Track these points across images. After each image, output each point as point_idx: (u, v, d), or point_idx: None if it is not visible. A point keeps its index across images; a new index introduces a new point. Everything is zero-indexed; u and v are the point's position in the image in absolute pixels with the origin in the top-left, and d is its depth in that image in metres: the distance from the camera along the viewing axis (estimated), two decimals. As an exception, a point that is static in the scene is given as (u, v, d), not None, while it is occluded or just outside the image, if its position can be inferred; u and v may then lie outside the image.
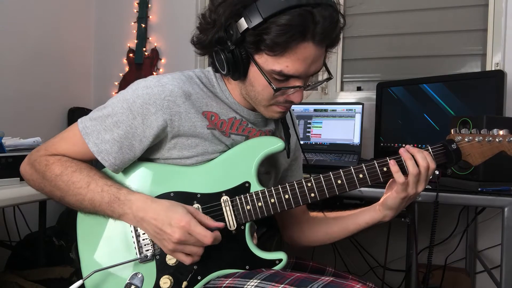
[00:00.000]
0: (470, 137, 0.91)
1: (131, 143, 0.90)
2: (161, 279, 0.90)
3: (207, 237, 0.82)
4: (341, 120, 1.95)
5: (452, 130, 0.93)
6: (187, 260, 0.85)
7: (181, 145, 0.93)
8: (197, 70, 0.99)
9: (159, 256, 0.91)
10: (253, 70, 0.88)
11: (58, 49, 2.40)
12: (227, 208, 0.91)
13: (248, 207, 0.91)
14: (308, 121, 2.00)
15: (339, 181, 0.91)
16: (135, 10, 2.55)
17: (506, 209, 1.20)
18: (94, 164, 0.96)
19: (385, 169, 0.91)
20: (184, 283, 0.89)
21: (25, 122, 2.13)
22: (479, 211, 1.87)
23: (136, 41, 2.53)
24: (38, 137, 1.39)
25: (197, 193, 0.92)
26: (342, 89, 2.28)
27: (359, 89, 2.24)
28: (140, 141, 0.90)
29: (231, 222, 0.91)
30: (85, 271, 0.92)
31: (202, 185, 0.93)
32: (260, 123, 1.00)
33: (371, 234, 2.11)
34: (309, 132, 1.99)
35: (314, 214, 1.15)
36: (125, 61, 2.57)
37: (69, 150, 0.93)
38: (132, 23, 2.57)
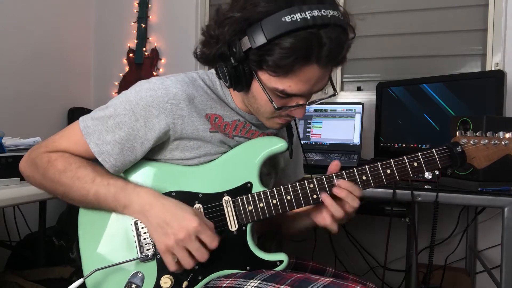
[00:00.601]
0: (476, 140, 0.89)
1: (133, 145, 0.90)
2: (162, 278, 0.89)
3: (214, 242, 0.83)
4: (341, 120, 1.95)
5: (457, 132, 0.92)
6: (172, 267, 0.84)
7: (183, 146, 0.92)
8: (201, 71, 0.99)
9: (159, 256, 0.90)
10: (256, 85, 0.87)
11: (58, 49, 2.40)
12: (229, 208, 0.91)
13: (250, 208, 0.90)
14: (308, 121, 2.00)
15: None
16: (135, 10, 2.55)
17: (506, 209, 1.20)
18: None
19: (388, 171, 0.89)
20: (185, 283, 0.89)
21: (25, 122, 2.13)
22: (479, 211, 1.87)
23: (136, 41, 2.53)
24: (38, 137, 1.39)
25: (198, 193, 0.92)
26: (342, 89, 2.28)
27: (359, 89, 2.24)
28: (141, 143, 0.90)
29: (233, 223, 0.91)
30: (85, 270, 0.92)
31: (204, 185, 0.92)
32: (262, 125, 0.99)
33: (371, 234, 2.11)
34: (309, 132, 1.99)
35: None
36: (125, 61, 2.57)
37: (70, 148, 0.92)
38: (132, 23, 2.57)
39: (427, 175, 1.38)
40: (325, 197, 0.89)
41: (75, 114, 2.44)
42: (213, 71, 0.97)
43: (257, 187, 0.92)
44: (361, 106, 1.92)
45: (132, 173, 0.95)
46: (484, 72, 1.95)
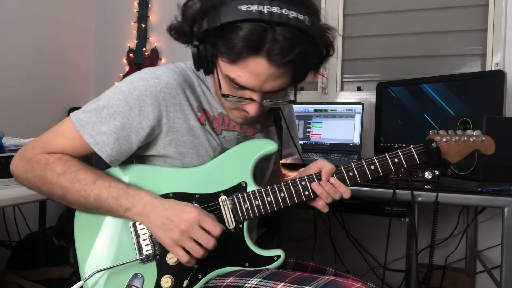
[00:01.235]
0: (448, 137, 0.98)
1: (128, 134, 0.91)
2: (162, 278, 0.90)
3: (216, 228, 0.84)
4: (341, 120, 1.95)
5: (430, 131, 1.00)
6: (184, 258, 0.85)
7: (176, 141, 0.94)
8: (189, 62, 1.00)
9: (159, 256, 0.91)
10: (217, 71, 0.90)
11: (58, 49, 2.40)
12: (225, 207, 0.93)
13: (246, 206, 0.93)
14: (308, 121, 2.00)
15: (332, 179, 0.94)
16: (135, 10, 2.55)
17: (506, 209, 1.20)
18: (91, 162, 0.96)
19: (372, 167, 0.95)
20: (185, 282, 0.89)
21: (25, 122, 2.13)
22: (479, 211, 1.87)
23: (136, 41, 2.53)
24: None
25: (195, 194, 0.94)
26: (342, 89, 2.28)
27: (359, 89, 2.24)
28: (137, 132, 0.91)
29: (230, 221, 0.93)
30: (83, 274, 0.92)
31: (200, 186, 0.95)
32: None
33: (371, 234, 2.11)
34: (309, 132, 1.99)
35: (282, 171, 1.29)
36: (125, 61, 2.57)
37: (66, 146, 0.92)
38: (132, 23, 2.57)
39: (427, 175, 1.38)
40: (315, 187, 0.94)
41: (75, 114, 2.44)
42: None
43: (252, 186, 0.95)
44: (361, 106, 1.92)
45: (129, 176, 0.96)
46: (484, 72, 1.94)
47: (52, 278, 1.63)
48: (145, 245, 0.91)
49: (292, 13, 0.79)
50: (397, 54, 2.17)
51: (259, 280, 0.86)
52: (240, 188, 0.95)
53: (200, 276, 0.90)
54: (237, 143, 1.02)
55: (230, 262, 0.92)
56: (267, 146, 0.98)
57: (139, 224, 0.92)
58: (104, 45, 2.65)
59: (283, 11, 0.78)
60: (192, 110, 0.94)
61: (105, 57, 2.64)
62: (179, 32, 0.92)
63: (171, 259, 0.90)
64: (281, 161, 1.32)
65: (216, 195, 0.94)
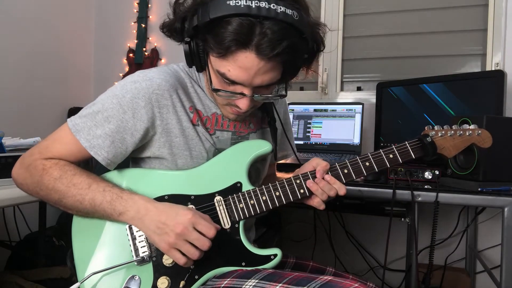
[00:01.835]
0: (443, 132, 0.98)
1: (123, 136, 0.92)
2: (159, 280, 0.90)
3: (212, 229, 0.85)
4: (341, 120, 1.95)
5: (426, 127, 1.00)
6: (182, 260, 0.85)
7: (170, 142, 0.95)
8: (182, 63, 1.01)
9: (155, 258, 0.91)
10: (208, 67, 0.91)
11: (58, 49, 2.40)
12: (221, 207, 0.94)
13: (241, 205, 0.94)
14: (308, 121, 2.00)
15: (327, 177, 0.95)
16: (135, 10, 2.56)
17: (506, 209, 1.20)
18: (91, 166, 0.96)
19: (367, 164, 0.95)
20: (182, 283, 0.89)
21: (25, 122, 2.13)
22: (479, 211, 1.87)
23: (136, 41, 2.53)
24: (38, 137, 1.39)
25: (190, 195, 0.94)
26: (342, 89, 2.28)
27: (359, 89, 2.24)
28: (131, 134, 0.92)
29: (225, 221, 0.94)
30: (81, 277, 0.92)
31: (195, 187, 0.95)
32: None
33: (371, 234, 2.11)
34: (309, 132, 1.99)
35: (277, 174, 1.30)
36: (125, 61, 2.57)
37: (63, 151, 0.93)
38: (132, 23, 2.57)
39: (427, 175, 1.38)
40: (310, 184, 0.94)
41: (75, 114, 2.41)
42: None
43: (247, 186, 0.96)
44: (361, 106, 1.92)
45: (125, 180, 0.96)
46: (484, 72, 1.94)
47: (52, 278, 1.64)
48: (141, 247, 0.91)
49: (280, 8, 0.80)
50: (397, 54, 2.17)
51: (256, 281, 0.85)
52: (235, 188, 0.95)
53: (196, 277, 0.90)
54: (232, 143, 1.02)
55: (226, 262, 0.92)
56: (262, 146, 0.99)
57: (136, 227, 0.92)
58: (104, 45, 2.65)
59: (271, 5, 0.79)
60: (184, 111, 0.95)
61: (105, 57, 2.64)
62: (171, 29, 0.94)
63: (167, 260, 0.91)
64: (278, 162, 1.33)
65: (212, 195, 0.95)
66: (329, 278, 0.84)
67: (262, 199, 0.94)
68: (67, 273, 1.64)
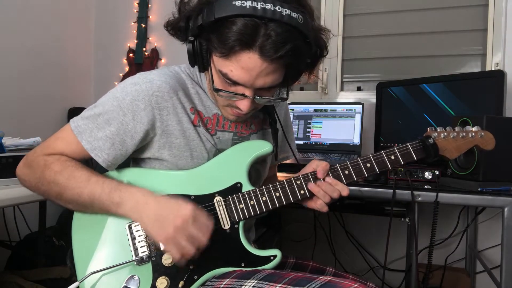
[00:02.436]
0: (445, 133, 0.97)
1: (123, 139, 0.92)
2: (158, 280, 0.90)
3: (211, 224, 0.86)
4: (341, 120, 1.95)
5: (428, 128, 1.00)
6: (177, 255, 0.85)
7: (170, 144, 0.95)
8: (183, 65, 1.02)
9: (154, 258, 0.91)
10: (210, 67, 0.91)
11: (58, 49, 2.40)
12: (221, 208, 0.94)
13: (241, 206, 0.93)
14: (308, 121, 2.00)
15: (328, 179, 0.94)
16: (135, 10, 2.55)
17: (506, 209, 1.20)
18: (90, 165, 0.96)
19: (368, 165, 0.94)
20: (181, 283, 0.89)
21: (25, 122, 2.13)
22: (479, 211, 1.87)
23: (136, 41, 2.53)
24: (38, 137, 1.39)
25: (190, 195, 0.94)
26: (342, 89, 2.28)
27: (359, 89, 2.24)
28: (131, 136, 0.92)
29: (225, 221, 0.93)
30: (80, 276, 0.92)
31: (195, 188, 0.95)
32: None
33: (371, 234, 2.12)
34: (309, 132, 1.99)
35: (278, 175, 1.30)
36: (125, 61, 2.57)
37: (65, 149, 0.94)
38: (132, 23, 2.57)
39: (427, 175, 1.38)
40: (312, 187, 0.94)
41: (75, 114, 2.38)
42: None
43: (247, 187, 0.95)
44: (361, 106, 1.92)
45: (124, 179, 0.97)
46: (484, 72, 1.94)
47: (52, 278, 1.64)
48: (140, 247, 0.92)
49: (286, 11, 0.80)
50: (397, 54, 2.17)
51: (256, 281, 0.85)
52: (235, 188, 0.95)
53: (196, 277, 0.90)
54: (233, 143, 1.02)
55: (226, 263, 0.92)
56: (262, 147, 0.98)
57: (135, 226, 0.92)
58: (104, 45, 2.65)
59: (277, 8, 0.80)
60: (185, 112, 0.95)
61: (105, 57, 2.64)
62: (175, 28, 0.94)
63: (166, 260, 0.90)
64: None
65: (211, 196, 0.95)
66: (329, 278, 0.84)
67: (262, 199, 0.94)
68: (67, 273, 1.64)
